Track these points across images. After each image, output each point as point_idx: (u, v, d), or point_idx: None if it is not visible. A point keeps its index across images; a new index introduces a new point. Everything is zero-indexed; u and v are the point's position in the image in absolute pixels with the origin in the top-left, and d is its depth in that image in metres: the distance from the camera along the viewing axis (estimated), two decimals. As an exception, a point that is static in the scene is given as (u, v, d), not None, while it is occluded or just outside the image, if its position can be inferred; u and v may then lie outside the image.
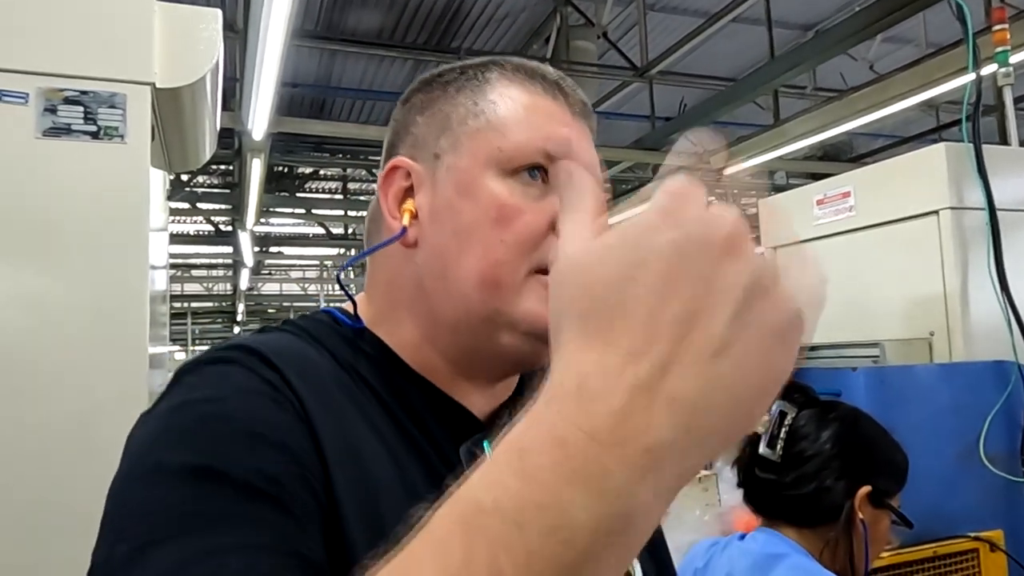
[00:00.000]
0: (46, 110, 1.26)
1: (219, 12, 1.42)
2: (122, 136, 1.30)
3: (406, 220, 0.61)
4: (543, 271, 0.58)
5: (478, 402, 0.63)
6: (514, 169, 0.59)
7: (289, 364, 0.53)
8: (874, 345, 2.02)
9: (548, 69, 0.64)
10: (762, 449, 1.26)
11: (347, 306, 0.65)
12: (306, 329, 0.61)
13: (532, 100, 0.61)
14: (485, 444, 0.58)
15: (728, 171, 6.38)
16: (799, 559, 1.21)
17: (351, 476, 0.50)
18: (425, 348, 0.61)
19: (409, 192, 0.62)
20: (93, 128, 1.28)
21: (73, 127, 1.28)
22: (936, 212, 2.09)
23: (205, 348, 0.56)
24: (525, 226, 0.58)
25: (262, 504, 0.45)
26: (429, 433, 0.58)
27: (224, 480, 0.45)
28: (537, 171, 0.59)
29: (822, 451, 1.24)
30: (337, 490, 0.49)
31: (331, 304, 0.66)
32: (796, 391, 1.31)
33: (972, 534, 1.71)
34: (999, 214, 2.00)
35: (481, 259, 0.58)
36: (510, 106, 0.61)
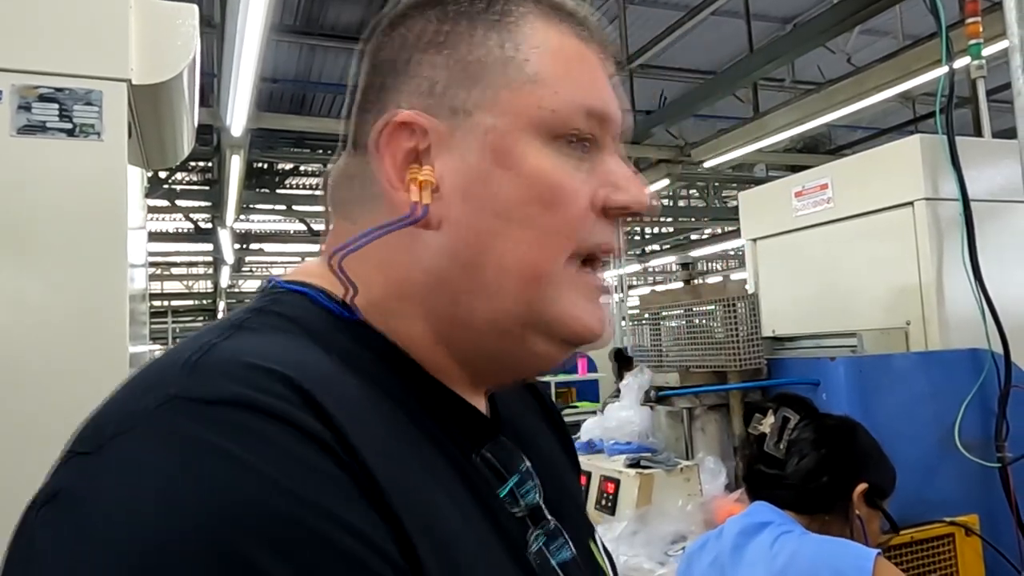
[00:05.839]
0: (20, 107, 1.25)
1: (195, 7, 1.40)
2: (98, 133, 1.28)
3: (427, 197, 0.48)
4: (577, 257, 0.50)
5: (477, 404, 0.55)
6: (558, 135, 0.49)
7: (334, 402, 0.40)
8: (852, 335, 2.05)
9: (569, 1, 0.53)
10: (767, 446, 1.37)
11: (324, 286, 0.51)
12: (299, 323, 0.47)
13: (573, 46, 0.51)
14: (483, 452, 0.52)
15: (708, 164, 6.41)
16: (784, 527, 1.30)
17: (433, 541, 0.40)
18: (438, 349, 0.51)
19: (416, 156, 0.49)
20: (68, 126, 1.27)
21: (48, 124, 1.26)
22: (911, 203, 2.12)
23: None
24: (576, 209, 0.49)
25: None
26: (460, 445, 0.50)
27: None
28: (575, 138, 0.50)
29: (823, 449, 1.35)
30: (426, 569, 0.39)
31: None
32: (795, 403, 1.42)
33: (948, 519, 1.74)
34: (973, 205, 2.03)
35: (530, 251, 0.48)
36: (554, 55, 0.50)
